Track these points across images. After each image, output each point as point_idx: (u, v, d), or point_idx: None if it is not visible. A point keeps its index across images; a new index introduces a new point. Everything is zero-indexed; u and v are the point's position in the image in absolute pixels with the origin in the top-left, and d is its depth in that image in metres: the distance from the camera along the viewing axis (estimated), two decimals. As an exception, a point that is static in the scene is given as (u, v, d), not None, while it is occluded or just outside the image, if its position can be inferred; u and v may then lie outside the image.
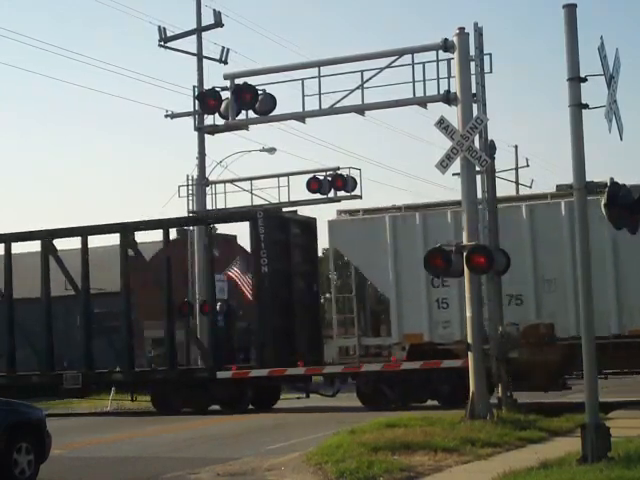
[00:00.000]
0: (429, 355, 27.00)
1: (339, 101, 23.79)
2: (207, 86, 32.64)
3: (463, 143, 21.17)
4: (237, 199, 45.63)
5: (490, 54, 22.19)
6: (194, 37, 41.34)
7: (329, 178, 34.47)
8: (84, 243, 33.83)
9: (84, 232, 34.26)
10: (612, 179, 14.61)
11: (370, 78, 23.39)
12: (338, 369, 31.15)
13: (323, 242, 32.25)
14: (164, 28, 40.97)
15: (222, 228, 42.26)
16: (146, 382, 33.07)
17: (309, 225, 32.99)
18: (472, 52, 21.93)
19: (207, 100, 24.67)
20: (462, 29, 22.06)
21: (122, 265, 33.25)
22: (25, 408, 15.42)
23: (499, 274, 22.52)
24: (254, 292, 31.60)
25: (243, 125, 25.21)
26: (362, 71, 23.39)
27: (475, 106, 21.98)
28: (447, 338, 26.96)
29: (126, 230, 33.58)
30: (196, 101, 32.07)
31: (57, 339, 34.88)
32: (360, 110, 23.99)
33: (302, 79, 24.04)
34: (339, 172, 34.60)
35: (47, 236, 34.35)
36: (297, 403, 35.10)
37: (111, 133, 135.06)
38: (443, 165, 21.21)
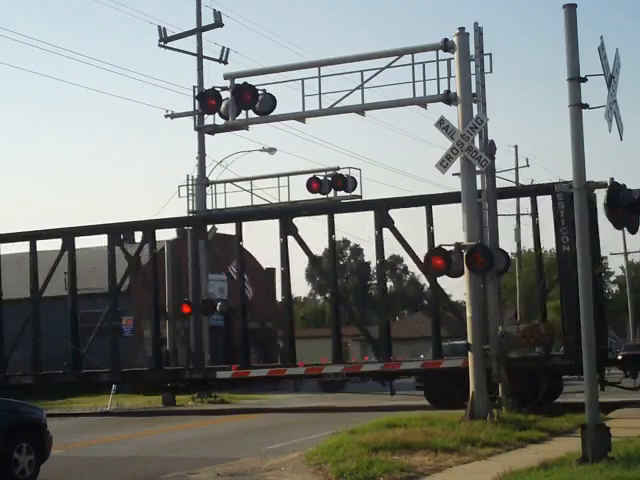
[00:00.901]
0: None
1: (339, 101, 23.80)
2: (207, 86, 32.66)
3: (463, 143, 21.17)
4: (237, 199, 45.66)
5: (490, 54, 22.22)
6: (194, 37, 41.35)
7: (329, 178, 34.51)
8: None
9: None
10: (612, 179, 14.61)
11: (370, 78, 23.39)
12: (338, 369, 31.15)
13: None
14: (164, 28, 41.01)
15: (222, 228, 42.23)
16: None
17: (591, 202, 31.25)
18: (472, 52, 21.93)
19: (207, 100, 24.67)
20: (462, 29, 22.06)
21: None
22: (25, 408, 15.42)
23: (499, 274, 22.52)
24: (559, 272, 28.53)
25: (243, 125, 25.20)
26: (362, 71, 23.41)
27: (475, 106, 21.98)
28: None
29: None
30: (196, 101, 32.08)
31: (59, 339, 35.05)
32: (360, 110, 23.99)
33: (302, 79, 24.06)
34: (339, 172, 34.63)
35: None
36: (297, 403, 35.11)
37: (111, 133, 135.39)
38: (443, 165, 21.20)
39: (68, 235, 34.23)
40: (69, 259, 33.84)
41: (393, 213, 29.55)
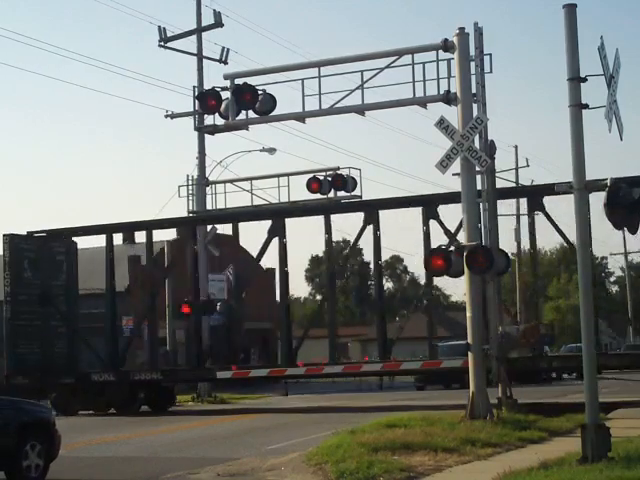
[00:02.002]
0: None
1: (339, 101, 23.79)
2: (207, 86, 32.61)
3: (463, 143, 21.15)
4: (237, 199, 45.65)
5: (490, 54, 22.21)
6: (194, 37, 41.33)
7: (329, 178, 34.48)
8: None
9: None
10: (613, 179, 14.59)
11: (370, 78, 23.38)
12: (338, 369, 31.11)
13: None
14: (164, 28, 40.97)
15: (222, 228, 42.26)
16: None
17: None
18: (472, 52, 21.92)
19: (207, 100, 24.64)
20: (462, 29, 22.05)
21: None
22: (34, 407, 15.52)
23: (499, 274, 22.50)
24: None
25: (243, 125, 25.19)
26: (362, 71, 23.40)
27: (475, 106, 21.97)
28: None
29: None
30: (196, 101, 32.01)
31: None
32: (360, 110, 23.98)
33: (302, 79, 24.05)
34: (339, 172, 34.61)
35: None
36: (297, 403, 35.10)
37: (111, 133, 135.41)
38: (443, 165, 21.19)
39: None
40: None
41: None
